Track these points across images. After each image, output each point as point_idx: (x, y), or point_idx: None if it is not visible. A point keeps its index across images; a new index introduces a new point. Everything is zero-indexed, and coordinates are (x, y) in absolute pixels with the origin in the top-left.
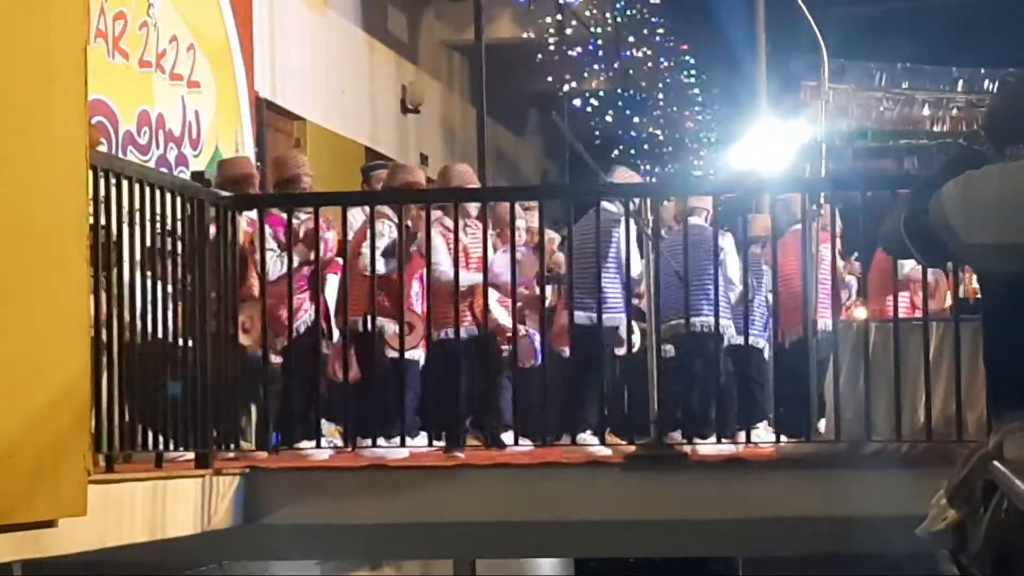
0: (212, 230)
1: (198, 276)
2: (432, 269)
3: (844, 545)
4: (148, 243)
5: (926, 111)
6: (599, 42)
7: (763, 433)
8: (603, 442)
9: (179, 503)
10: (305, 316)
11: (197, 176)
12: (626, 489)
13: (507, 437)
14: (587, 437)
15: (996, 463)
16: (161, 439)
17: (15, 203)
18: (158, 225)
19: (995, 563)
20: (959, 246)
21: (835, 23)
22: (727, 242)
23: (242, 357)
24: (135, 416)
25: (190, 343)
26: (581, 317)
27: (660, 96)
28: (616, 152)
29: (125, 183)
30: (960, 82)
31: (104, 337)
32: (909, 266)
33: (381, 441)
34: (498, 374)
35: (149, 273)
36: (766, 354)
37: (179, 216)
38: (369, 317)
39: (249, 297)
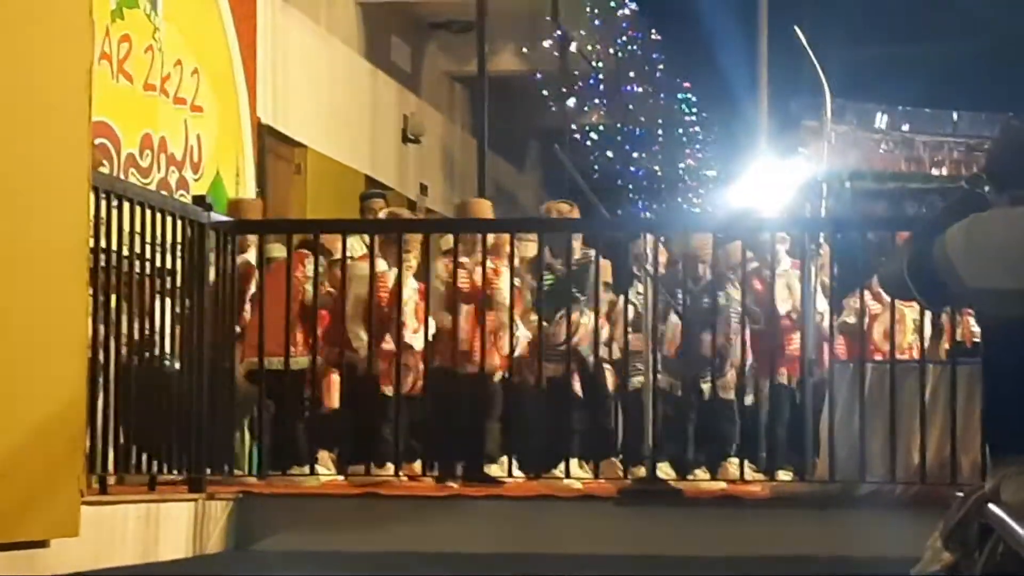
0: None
1: (197, 300)
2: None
3: None
4: (148, 266)
5: (926, 153)
6: (600, 77)
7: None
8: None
9: (172, 527)
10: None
11: (198, 200)
12: (619, 523)
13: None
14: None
15: (993, 506)
16: (155, 462)
17: (16, 223)
18: (158, 248)
19: None
20: (961, 289)
21: (837, 64)
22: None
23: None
24: (130, 438)
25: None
26: None
27: (660, 132)
28: (617, 186)
29: (126, 205)
30: (960, 125)
31: (101, 359)
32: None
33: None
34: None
35: (148, 296)
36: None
37: (179, 239)
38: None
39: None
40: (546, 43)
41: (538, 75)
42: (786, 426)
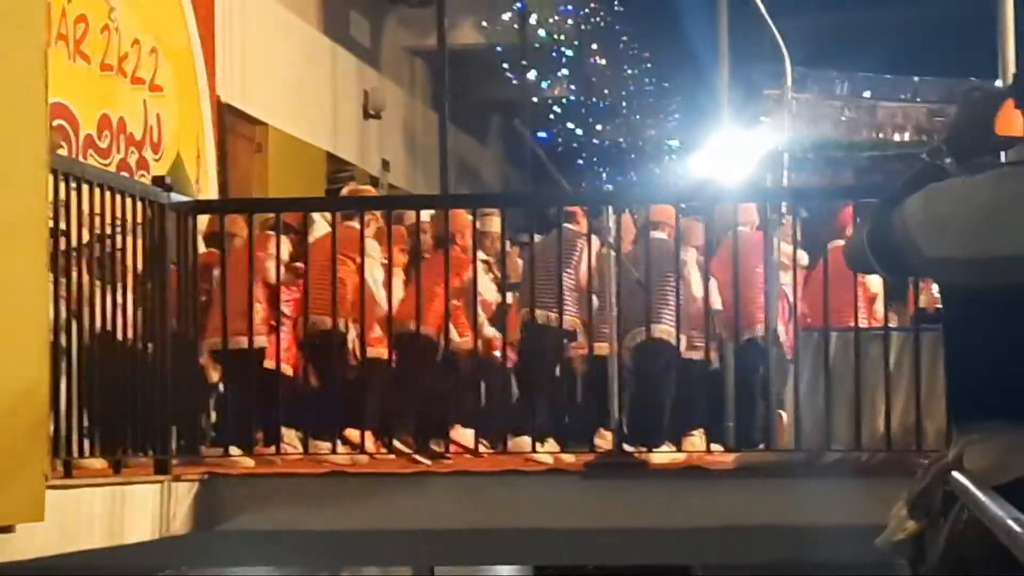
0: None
1: (158, 280)
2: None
3: (802, 554)
4: (108, 247)
5: (888, 119)
6: (562, 49)
7: (698, 441)
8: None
9: (137, 509)
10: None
11: (158, 180)
12: (586, 497)
13: None
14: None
15: (956, 474)
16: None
17: None
18: (118, 229)
19: (954, 574)
20: (921, 260)
21: (797, 32)
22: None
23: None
24: (94, 421)
25: (150, 348)
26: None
27: (623, 104)
28: (579, 159)
29: (85, 187)
30: (922, 90)
31: (63, 342)
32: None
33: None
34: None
35: (109, 277)
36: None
37: (139, 220)
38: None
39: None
40: (506, 16)
41: (498, 48)
42: (754, 393)
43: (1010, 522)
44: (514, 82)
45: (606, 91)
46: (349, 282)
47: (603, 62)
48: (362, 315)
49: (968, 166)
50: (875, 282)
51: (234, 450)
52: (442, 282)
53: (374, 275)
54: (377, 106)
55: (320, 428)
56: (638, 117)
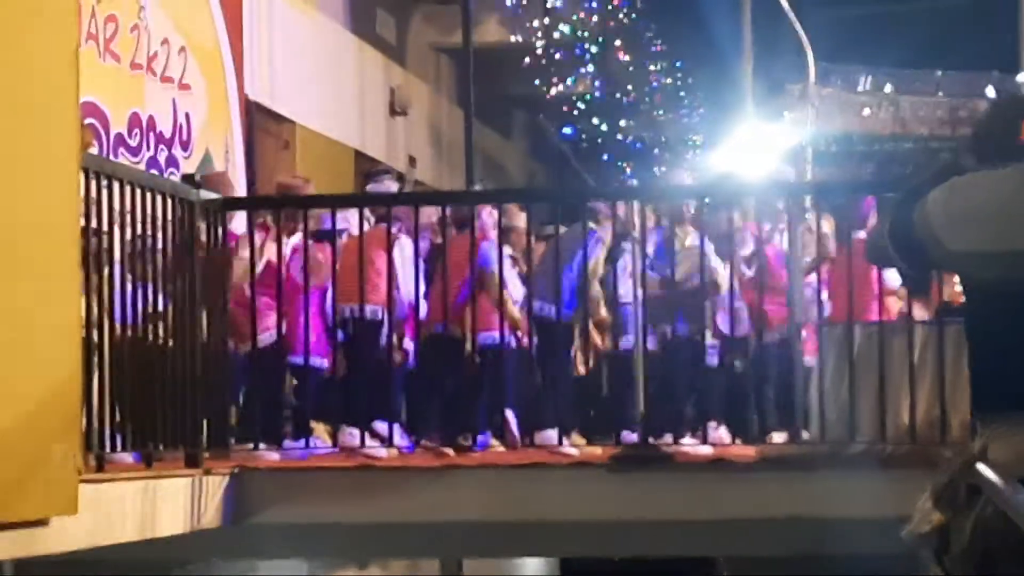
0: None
1: (188, 277)
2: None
3: (827, 546)
4: (139, 245)
5: (910, 113)
6: (586, 45)
7: (723, 431)
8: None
9: (168, 503)
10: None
11: (187, 178)
12: (611, 489)
13: None
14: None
15: (981, 466)
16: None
17: (6, 205)
18: (148, 227)
19: (979, 566)
20: (943, 253)
21: (820, 27)
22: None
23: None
24: (125, 416)
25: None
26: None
27: (646, 99)
28: (604, 155)
29: (116, 185)
30: (943, 84)
31: (95, 338)
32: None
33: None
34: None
35: (139, 274)
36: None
37: (169, 218)
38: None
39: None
40: (531, 13)
41: (524, 45)
42: (776, 388)
43: None
44: (537, 82)
45: (630, 87)
46: (382, 271)
47: (627, 58)
48: (390, 305)
49: (991, 165)
50: (889, 276)
51: (263, 444)
52: (461, 276)
53: (405, 270)
54: (403, 103)
55: (350, 418)
56: (662, 112)
